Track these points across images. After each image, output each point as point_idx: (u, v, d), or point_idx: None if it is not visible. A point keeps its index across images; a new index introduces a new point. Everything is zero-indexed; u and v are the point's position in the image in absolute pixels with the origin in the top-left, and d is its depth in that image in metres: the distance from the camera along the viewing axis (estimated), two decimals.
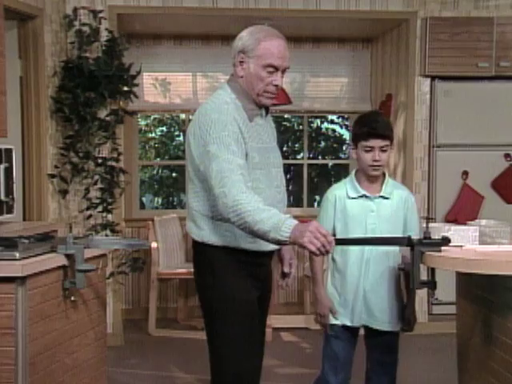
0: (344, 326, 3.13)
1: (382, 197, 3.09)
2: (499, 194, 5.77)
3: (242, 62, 2.75)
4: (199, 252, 2.84)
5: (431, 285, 2.85)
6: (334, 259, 3.16)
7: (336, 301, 3.14)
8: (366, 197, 3.09)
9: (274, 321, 5.79)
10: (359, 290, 3.08)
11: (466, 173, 5.74)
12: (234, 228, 2.65)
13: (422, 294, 5.67)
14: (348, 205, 3.10)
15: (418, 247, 2.76)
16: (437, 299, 5.67)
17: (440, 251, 2.73)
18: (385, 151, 3.04)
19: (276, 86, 2.75)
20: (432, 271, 2.83)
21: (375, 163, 3.03)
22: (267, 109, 2.88)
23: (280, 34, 2.78)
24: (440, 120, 5.75)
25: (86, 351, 3.01)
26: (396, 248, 3.08)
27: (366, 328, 3.15)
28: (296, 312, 6.22)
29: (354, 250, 3.08)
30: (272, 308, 5.98)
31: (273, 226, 2.48)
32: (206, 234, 2.78)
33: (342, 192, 3.14)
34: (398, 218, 3.09)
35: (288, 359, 5.06)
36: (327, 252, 2.46)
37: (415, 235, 2.92)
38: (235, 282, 2.79)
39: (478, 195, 5.72)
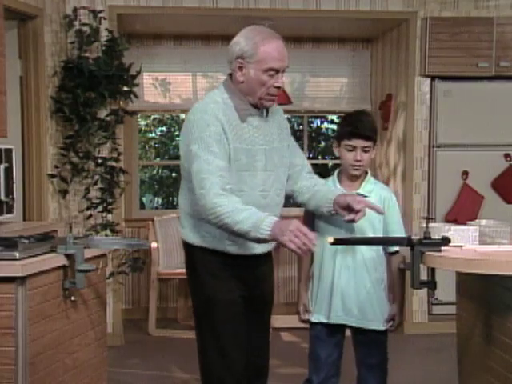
0: (323, 325, 3.12)
1: (359, 194, 3.08)
2: (499, 194, 5.77)
3: (241, 67, 2.73)
4: (186, 251, 2.90)
5: (431, 285, 2.85)
6: (317, 260, 3.15)
7: (314, 298, 3.14)
8: None
9: (273, 321, 5.77)
10: (334, 289, 3.07)
11: (466, 173, 5.74)
12: (214, 230, 2.68)
13: (421, 294, 5.67)
14: None
15: (418, 247, 2.76)
16: (437, 299, 5.67)
17: (440, 251, 2.73)
18: (367, 152, 3.05)
19: (278, 87, 2.74)
20: (432, 271, 2.83)
21: (357, 163, 3.04)
22: (268, 109, 2.84)
23: (276, 34, 2.76)
24: (440, 120, 5.75)
25: (86, 351, 3.01)
26: (375, 249, 3.08)
27: (352, 329, 3.14)
28: (296, 312, 6.21)
29: (327, 253, 3.07)
30: (272, 308, 5.98)
31: (252, 225, 2.52)
32: (187, 232, 2.82)
33: None
34: (376, 217, 3.05)
35: (288, 359, 5.05)
36: (309, 250, 2.50)
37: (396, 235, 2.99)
38: (216, 283, 2.81)
39: (477, 195, 5.72)
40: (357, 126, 3.03)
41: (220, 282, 2.81)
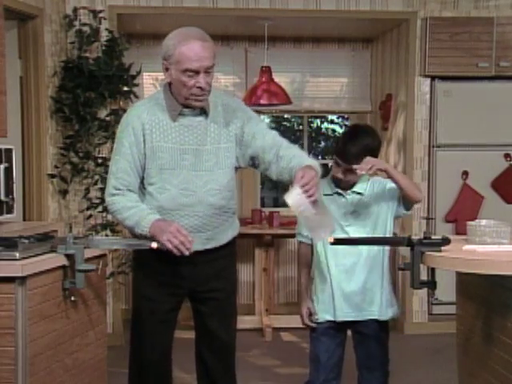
0: (328, 325, 3.11)
1: (354, 192, 3.09)
2: (499, 194, 5.77)
3: (167, 68, 2.77)
4: None
5: (431, 285, 2.86)
6: (317, 260, 3.15)
7: (318, 298, 3.14)
8: (339, 194, 3.11)
9: (274, 321, 5.79)
10: (335, 286, 3.08)
11: (465, 173, 5.74)
12: None
13: (422, 294, 5.66)
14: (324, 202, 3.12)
15: (418, 247, 2.76)
16: (437, 299, 5.67)
17: (440, 251, 2.73)
18: (352, 172, 3.01)
19: (200, 87, 2.72)
20: (432, 271, 2.83)
21: (341, 177, 3.06)
22: (206, 111, 2.81)
23: (199, 34, 2.75)
24: (440, 120, 5.75)
25: (86, 351, 3.01)
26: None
27: (353, 328, 3.14)
28: (296, 312, 6.13)
29: (331, 253, 3.08)
30: (272, 308, 6.00)
31: (135, 222, 2.70)
32: None
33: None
34: (381, 208, 3.07)
35: (288, 359, 5.05)
36: (187, 250, 2.61)
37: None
38: (140, 278, 2.96)
39: (477, 195, 5.72)
40: (344, 148, 3.02)
41: (143, 276, 2.93)
